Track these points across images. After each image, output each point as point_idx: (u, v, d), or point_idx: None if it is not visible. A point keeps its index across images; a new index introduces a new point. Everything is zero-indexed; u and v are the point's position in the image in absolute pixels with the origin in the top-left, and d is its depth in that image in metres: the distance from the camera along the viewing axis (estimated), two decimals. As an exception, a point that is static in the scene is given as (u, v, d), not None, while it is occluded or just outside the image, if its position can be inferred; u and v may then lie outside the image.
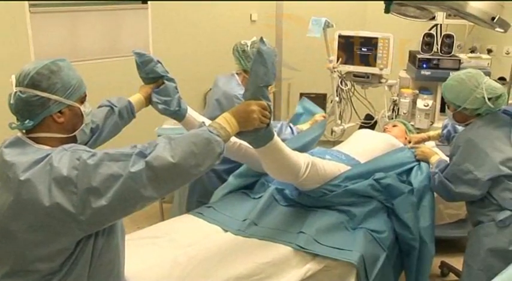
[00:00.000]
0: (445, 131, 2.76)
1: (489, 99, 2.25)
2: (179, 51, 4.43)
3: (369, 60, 3.44)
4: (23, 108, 1.43)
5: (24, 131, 1.46)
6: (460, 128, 2.56)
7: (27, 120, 1.42)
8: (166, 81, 2.07)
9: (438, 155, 2.56)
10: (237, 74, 2.91)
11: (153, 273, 1.79)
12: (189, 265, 1.85)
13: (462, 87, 2.29)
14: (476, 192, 2.21)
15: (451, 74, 3.22)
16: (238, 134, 1.72)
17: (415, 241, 2.30)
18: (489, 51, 4.12)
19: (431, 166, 2.48)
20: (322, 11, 3.75)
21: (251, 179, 2.51)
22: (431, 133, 2.95)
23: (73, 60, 1.58)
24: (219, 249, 1.97)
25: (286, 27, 4.02)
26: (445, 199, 2.42)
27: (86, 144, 1.71)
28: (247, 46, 2.76)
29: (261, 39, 1.81)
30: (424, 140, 2.95)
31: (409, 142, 2.95)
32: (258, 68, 1.77)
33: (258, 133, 1.79)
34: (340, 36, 3.50)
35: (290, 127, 2.88)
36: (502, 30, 2.61)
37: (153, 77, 2.07)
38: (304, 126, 2.99)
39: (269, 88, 1.82)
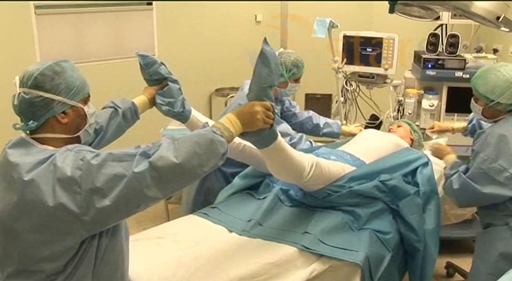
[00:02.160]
0: (469, 125, 2.66)
1: None
2: (184, 52, 4.43)
3: (373, 60, 3.42)
4: (27, 109, 1.43)
5: (28, 131, 1.47)
6: (485, 124, 2.43)
7: (31, 121, 1.43)
8: (170, 83, 2.07)
9: (454, 155, 2.46)
10: None
11: (157, 273, 1.79)
12: (193, 266, 1.85)
13: (499, 81, 2.13)
14: (508, 192, 2.08)
15: (456, 74, 3.19)
16: (242, 135, 1.72)
17: (419, 243, 2.28)
18: (495, 51, 4.09)
19: (445, 166, 2.40)
20: (328, 11, 3.73)
21: (256, 180, 2.50)
22: (456, 125, 2.80)
23: (78, 62, 1.59)
24: (223, 249, 1.96)
25: (291, 28, 4.02)
26: (463, 204, 2.30)
27: (89, 145, 1.71)
28: None
29: (265, 39, 1.81)
30: (447, 131, 2.85)
31: (432, 128, 2.89)
32: (261, 68, 1.77)
33: (261, 134, 1.79)
34: (345, 37, 3.49)
35: (310, 142, 2.84)
36: (507, 30, 2.59)
37: (156, 78, 2.07)
38: None
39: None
